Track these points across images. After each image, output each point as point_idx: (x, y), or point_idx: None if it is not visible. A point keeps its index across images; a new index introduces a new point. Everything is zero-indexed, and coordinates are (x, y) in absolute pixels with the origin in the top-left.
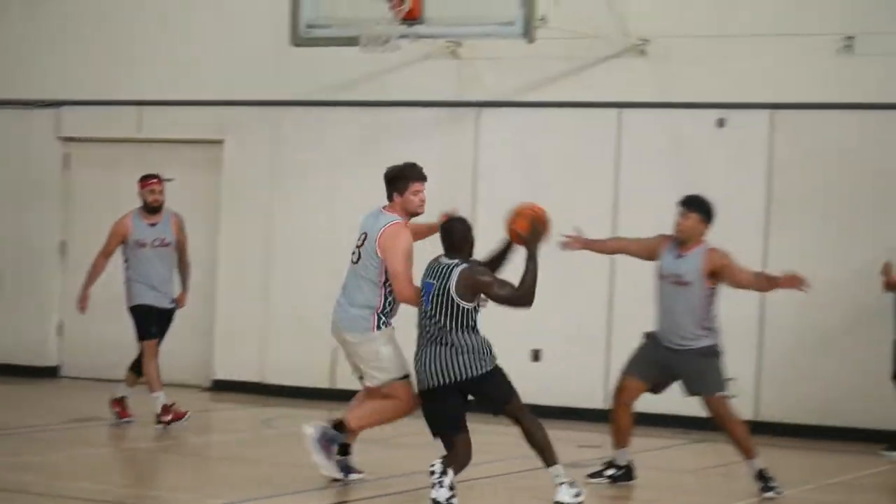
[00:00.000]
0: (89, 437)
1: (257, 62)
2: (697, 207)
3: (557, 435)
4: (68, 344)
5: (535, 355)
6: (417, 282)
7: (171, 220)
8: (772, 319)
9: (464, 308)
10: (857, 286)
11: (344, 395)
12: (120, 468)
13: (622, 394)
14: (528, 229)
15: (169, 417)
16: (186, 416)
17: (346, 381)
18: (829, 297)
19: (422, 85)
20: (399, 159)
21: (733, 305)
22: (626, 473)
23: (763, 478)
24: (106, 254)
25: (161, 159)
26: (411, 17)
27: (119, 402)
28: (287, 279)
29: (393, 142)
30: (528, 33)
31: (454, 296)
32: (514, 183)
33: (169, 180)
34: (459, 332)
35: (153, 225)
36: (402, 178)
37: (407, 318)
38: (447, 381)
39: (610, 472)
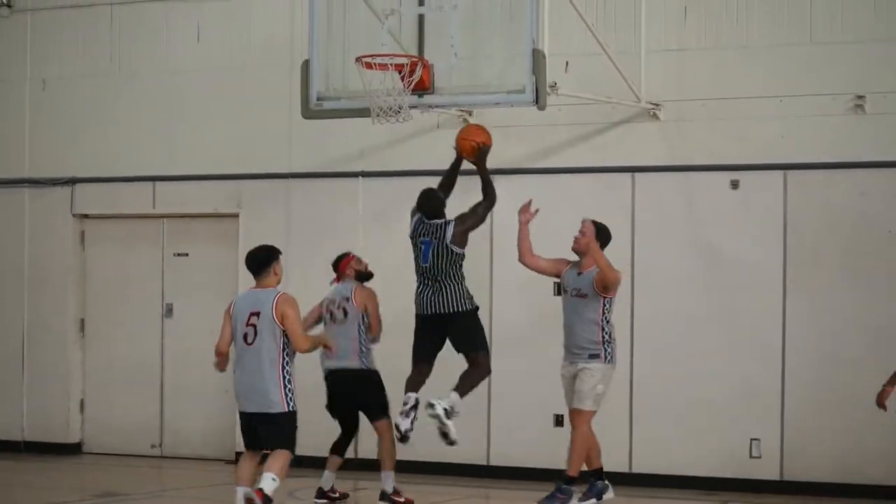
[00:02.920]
0: None
1: (270, 135)
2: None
3: None
4: (90, 420)
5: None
6: None
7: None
8: (792, 379)
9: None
10: (876, 344)
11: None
12: None
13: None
14: (485, 142)
15: (402, 500)
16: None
17: (367, 453)
18: (849, 355)
19: (434, 154)
20: (408, 226)
21: (757, 367)
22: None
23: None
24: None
25: (176, 234)
26: (421, 88)
27: (325, 494)
28: None
29: (403, 209)
30: (538, 100)
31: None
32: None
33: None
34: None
35: None
36: None
37: None
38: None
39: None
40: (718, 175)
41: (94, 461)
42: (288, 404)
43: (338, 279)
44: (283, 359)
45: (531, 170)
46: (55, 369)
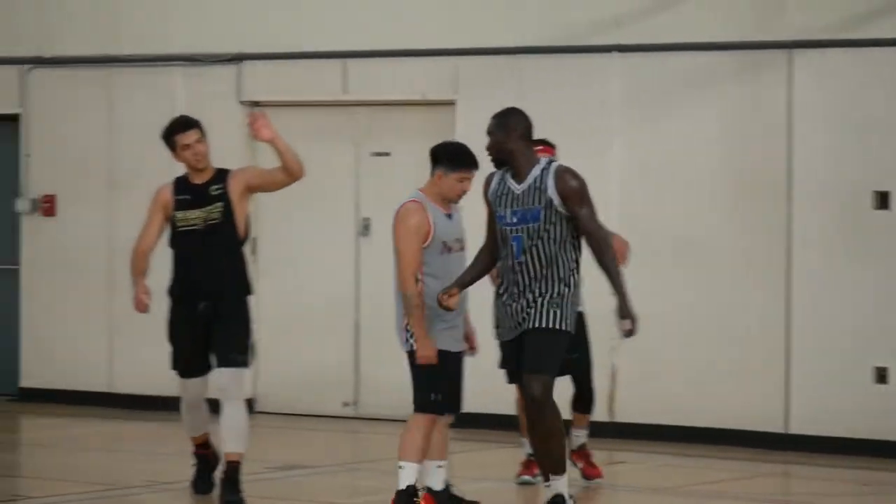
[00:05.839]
0: (295, 492)
1: None
2: None
3: None
4: (263, 372)
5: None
6: None
7: None
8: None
9: None
10: None
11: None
12: None
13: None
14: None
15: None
16: None
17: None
18: None
19: (709, 22)
20: (680, 117)
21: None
22: None
23: None
24: None
25: (375, 128)
26: None
27: (580, 454)
28: None
29: (672, 95)
30: None
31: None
32: (840, 149)
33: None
34: None
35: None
36: None
37: None
38: None
39: None
40: None
41: (269, 423)
42: None
43: None
44: None
45: (836, 42)
46: None
